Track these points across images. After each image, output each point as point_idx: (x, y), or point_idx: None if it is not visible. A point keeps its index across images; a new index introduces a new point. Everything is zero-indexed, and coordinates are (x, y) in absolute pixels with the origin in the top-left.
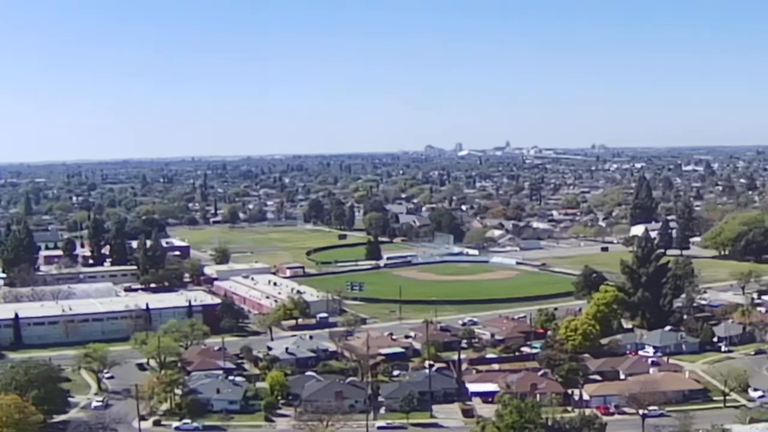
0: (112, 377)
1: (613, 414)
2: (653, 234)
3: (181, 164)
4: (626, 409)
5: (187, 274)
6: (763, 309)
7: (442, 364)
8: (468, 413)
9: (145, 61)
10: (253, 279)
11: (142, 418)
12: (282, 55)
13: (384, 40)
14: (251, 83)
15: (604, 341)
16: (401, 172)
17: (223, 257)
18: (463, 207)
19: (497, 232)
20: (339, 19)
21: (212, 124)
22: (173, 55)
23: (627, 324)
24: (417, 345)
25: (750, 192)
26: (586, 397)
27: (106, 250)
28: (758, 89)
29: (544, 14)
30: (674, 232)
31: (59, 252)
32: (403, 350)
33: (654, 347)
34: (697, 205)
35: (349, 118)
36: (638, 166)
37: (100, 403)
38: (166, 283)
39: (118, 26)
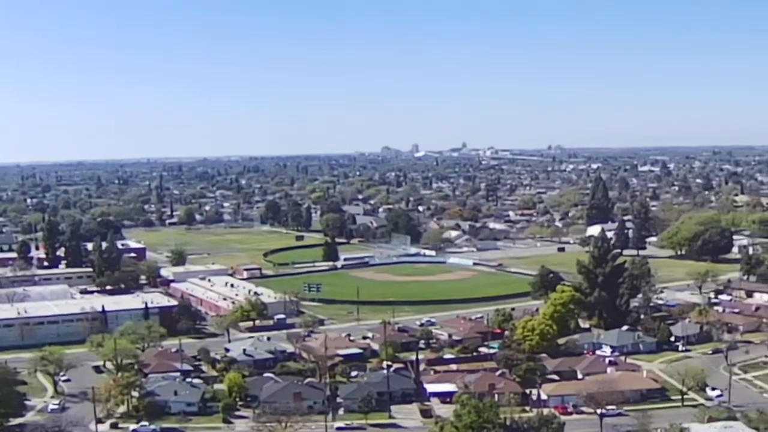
0: (68, 380)
1: (571, 413)
2: (609, 234)
3: (137, 166)
4: (584, 409)
5: (143, 276)
6: (720, 308)
7: (400, 365)
8: (426, 413)
9: (99, 62)
10: (209, 281)
11: (99, 420)
12: (238, 60)
13: (339, 44)
14: (207, 85)
15: (561, 341)
16: (358, 173)
17: (179, 259)
18: (420, 208)
19: (454, 233)
20: (295, 25)
21: (168, 126)
22: (128, 56)
23: (584, 324)
24: (375, 346)
25: (706, 192)
26: (543, 396)
27: (61, 252)
28: (713, 90)
29: (497, 15)
30: (630, 232)
31: (14, 254)
32: (361, 351)
33: (611, 347)
34: (653, 206)
35: (306, 119)
36: (594, 166)
37: (56, 406)
38: (122, 285)
39: (75, 24)
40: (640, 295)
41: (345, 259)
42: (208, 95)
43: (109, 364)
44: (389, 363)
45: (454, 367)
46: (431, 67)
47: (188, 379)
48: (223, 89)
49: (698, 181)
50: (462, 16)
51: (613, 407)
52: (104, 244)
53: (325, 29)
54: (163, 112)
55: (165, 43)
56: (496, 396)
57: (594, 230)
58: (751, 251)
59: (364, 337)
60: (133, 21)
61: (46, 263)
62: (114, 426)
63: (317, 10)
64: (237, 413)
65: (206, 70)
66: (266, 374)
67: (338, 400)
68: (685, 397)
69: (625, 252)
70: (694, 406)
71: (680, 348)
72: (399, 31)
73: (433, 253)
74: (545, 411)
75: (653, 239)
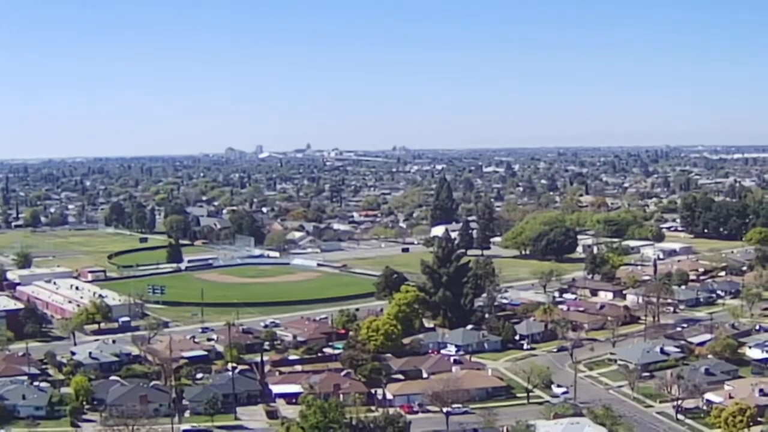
0: None
1: (416, 412)
2: (454, 234)
3: None
4: (430, 408)
5: None
6: (564, 307)
7: (245, 367)
8: (272, 415)
9: None
10: (55, 283)
11: None
12: (77, 54)
13: (184, 39)
14: (51, 82)
15: (406, 341)
16: (202, 174)
17: (25, 262)
18: (264, 209)
19: (298, 234)
20: (137, 15)
21: (12, 125)
22: None
23: (429, 323)
24: (219, 348)
25: (551, 192)
26: (389, 396)
27: None
28: (559, 91)
29: (339, 11)
30: (475, 232)
31: None
32: (205, 353)
33: (456, 346)
34: (497, 206)
35: (149, 119)
36: (439, 167)
37: None
38: None
39: None
40: (484, 295)
41: (189, 261)
42: (50, 93)
43: None
44: (234, 365)
45: (299, 368)
46: (274, 67)
47: (35, 383)
48: (63, 87)
49: (543, 181)
50: (305, 13)
51: (459, 405)
52: None
53: (170, 21)
54: (8, 111)
55: (8, 38)
56: (342, 396)
57: (438, 231)
58: (595, 250)
59: (209, 339)
60: None
61: None
62: None
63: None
64: (84, 417)
65: (46, 65)
66: (112, 377)
67: (184, 402)
68: (530, 394)
69: (470, 252)
70: (539, 404)
71: (525, 346)
72: (242, 29)
73: (277, 254)
74: (391, 410)
75: (498, 239)
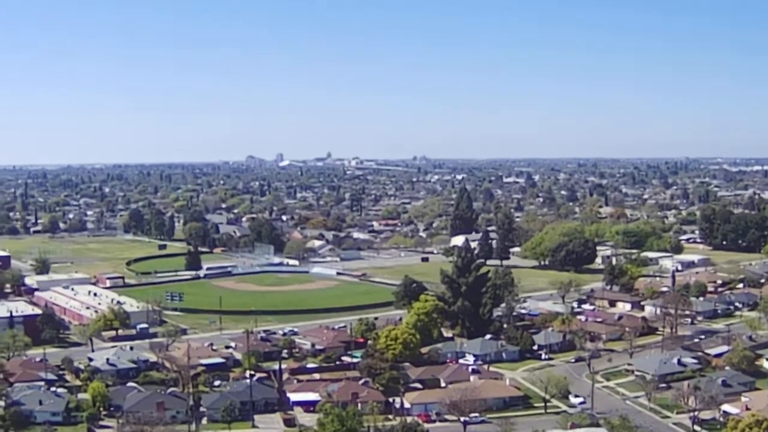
0: None
1: (434, 421)
2: (473, 244)
3: (2, 173)
4: (447, 417)
5: (7, 285)
6: (582, 317)
7: (263, 374)
8: (289, 423)
9: None
10: (73, 289)
11: None
12: (100, 61)
13: (203, 49)
14: (71, 88)
15: (424, 350)
16: (222, 182)
17: (43, 267)
18: (284, 217)
19: (317, 243)
20: (158, 26)
21: (33, 132)
22: None
23: (447, 333)
24: (237, 355)
25: (570, 203)
26: (407, 405)
27: None
28: (579, 104)
29: (353, 29)
30: (494, 242)
31: None
32: (223, 360)
33: (474, 355)
34: (517, 216)
35: (170, 127)
36: (459, 177)
37: None
38: None
39: None
40: (503, 305)
41: (208, 269)
42: (70, 99)
43: None
44: (252, 372)
45: (317, 376)
46: (295, 76)
47: (53, 389)
48: (83, 93)
49: (563, 192)
50: (316, 28)
51: (476, 415)
52: None
53: (187, 32)
54: (28, 117)
55: (26, 45)
56: (359, 405)
57: (458, 240)
58: (614, 262)
59: (227, 347)
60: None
61: None
62: None
63: (181, 10)
64: (101, 423)
65: (68, 73)
66: (129, 384)
67: (201, 409)
68: (547, 404)
69: (489, 262)
70: (557, 413)
71: (543, 356)
72: (263, 41)
73: (296, 262)
74: (408, 419)
75: (517, 249)
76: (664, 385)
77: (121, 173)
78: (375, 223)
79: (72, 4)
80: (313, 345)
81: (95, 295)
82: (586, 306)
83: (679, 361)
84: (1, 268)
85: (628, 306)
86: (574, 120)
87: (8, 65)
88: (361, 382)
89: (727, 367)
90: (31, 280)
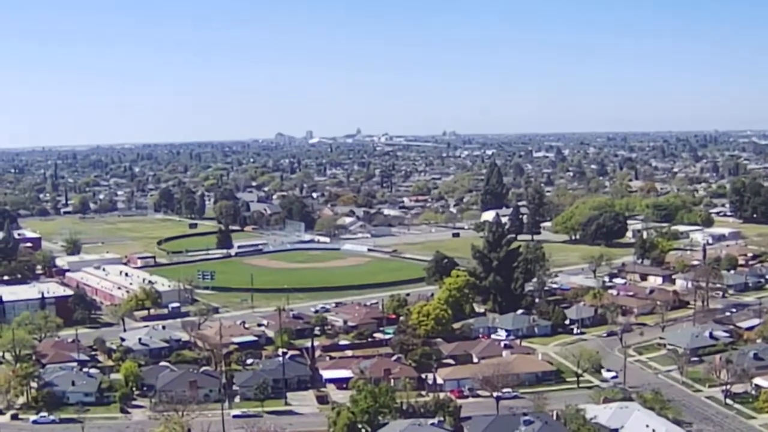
0: None
1: (467, 397)
2: (504, 219)
3: (32, 155)
4: (480, 392)
5: (39, 266)
6: (614, 291)
7: (296, 352)
8: (322, 400)
9: None
10: (104, 270)
11: None
12: (129, 44)
13: (230, 29)
14: (98, 70)
15: (456, 326)
16: (251, 160)
17: (74, 248)
18: (314, 195)
19: (348, 220)
20: (183, 8)
21: (61, 112)
22: (17, 41)
23: (479, 308)
24: (270, 333)
25: (601, 177)
26: (439, 381)
27: None
28: (608, 77)
29: (383, 6)
30: (525, 217)
31: None
32: (255, 338)
33: (506, 330)
34: (547, 191)
35: (199, 105)
36: (489, 152)
37: None
38: (19, 276)
39: None
40: (534, 279)
41: (239, 247)
42: (100, 80)
43: (7, 355)
44: (284, 350)
45: (349, 353)
46: (324, 52)
47: (85, 369)
48: (114, 75)
49: (593, 166)
50: (354, 10)
51: (509, 390)
52: (0, 234)
53: (214, 13)
54: (57, 99)
55: (54, 29)
56: (392, 381)
57: (488, 215)
58: (644, 235)
59: (259, 325)
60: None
61: None
62: (15, 417)
63: None
64: (134, 402)
65: (97, 54)
66: (162, 363)
67: (234, 387)
68: (580, 378)
69: (520, 237)
70: (589, 388)
71: (575, 331)
72: (291, 19)
73: (327, 239)
74: (441, 395)
75: (548, 224)
76: (695, 358)
77: (151, 153)
78: (405, 199)
79: None
80: (345, 322)
81: (126, 275)
82: (618, 280)
83: (710, 334)
84: (32, 250)
85: (659, 280)
86: (603, 94)
87: (39, 48)
88: (393, 358)
89: (758, 340)
90: (62, 261)
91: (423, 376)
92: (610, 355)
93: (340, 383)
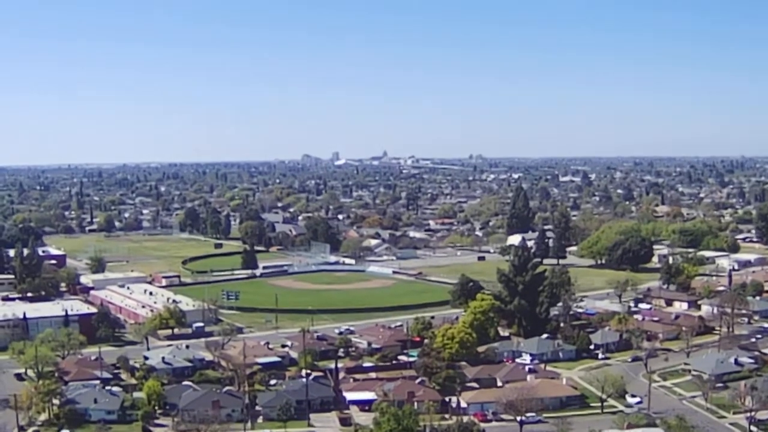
0: None
1: (490, 421)
2: (530, 243)
3: (57, 172)
4: (504, 416)
5: (63, 283)
6: (639, 316)
7: (319, 373)
8: (345, 422)
9: (11, 69)
10: (128, 288)
11: (21, 428)
12: (157, 65)
13: (258, 52)
14: (127, 90)
15: (481, 349)
16: (278, 180)
17: (98, 266)
18: (340, 216)
19: (374, 242)
20: (212, 31)
21: (88, 130)
22: (39, 65)
23: (504, 332)
24: (294, 354)
25: (627, 202)
26: (463, 404)
27: None
28: (635, 101)
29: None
30: (551, 241)
31: None
32: (279, 359)
33: (531, 354)
34: (573, 215)
35: (225, 125)
36: (515, 176)
37: None
38: (43, 293)
39: None
40: (559, 304)
41: (264, 267)
42: (126, 100)
43: (30, 372)
44: (308, 371)
45: (373, 375)
46: (352, 74)
47: (108, 387)
48: (142, 94)
49: (619, 191)
50: (383, 19)
51: (533, 414)
52: (25, 251)
53: (243, 36)
54: (82, 118)
55: (72, 48)
56: (416, 404)
57: (514, 239)
58: (670, 261)
59: (283, 346)
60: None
61: None
62: None
63: (235, 17)
64: (156, 421)
65: (123, 75)
66: (185, 382)
67: (257, 408)
68: (604, 404)
69: (546, 261)
70: (613, 413)
71: (600, 356)
72: (320, 43)
73: (352, 261)
74: (465, 418)
75: (573, 248)
76: (720, 384)
77: (177, 172)
78: (431, 222)
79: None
80: (369, 344)
81: (151, 293)
82: (643, 305)
83: (736, 360)
84: (56, 267)
85: (684, 305)
86: (630, 120)
87: (65, 67)
88: (417, 381)
89: None
90: (86, 279)
91: (447, 399)
92: (635, 380)
93: (364, 405)
